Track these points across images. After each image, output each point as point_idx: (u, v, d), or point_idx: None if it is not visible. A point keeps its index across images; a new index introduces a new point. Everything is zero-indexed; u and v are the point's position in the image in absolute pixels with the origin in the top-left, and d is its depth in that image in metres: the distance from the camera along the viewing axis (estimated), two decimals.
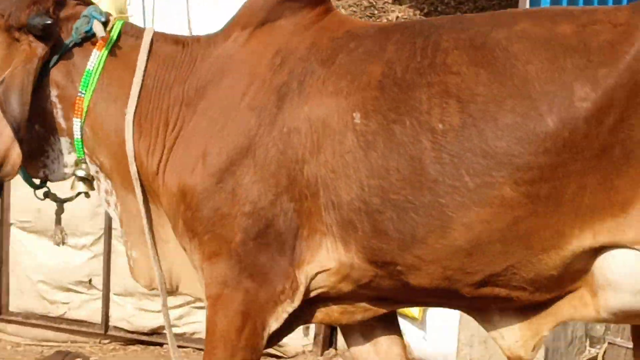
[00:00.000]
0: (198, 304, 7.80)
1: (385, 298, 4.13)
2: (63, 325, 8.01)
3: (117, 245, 7.73)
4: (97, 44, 4.33)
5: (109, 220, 7.73)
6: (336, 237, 4.00)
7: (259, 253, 4.07)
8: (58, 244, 4.67)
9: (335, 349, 7.86)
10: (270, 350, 7.61)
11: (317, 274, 4.02)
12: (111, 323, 7.95)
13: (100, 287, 7.87)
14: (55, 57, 4.36)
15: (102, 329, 7.92)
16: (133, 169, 4.25)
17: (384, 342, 4.39)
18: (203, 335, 6.87)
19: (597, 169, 3.79)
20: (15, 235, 8.09)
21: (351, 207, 3.97)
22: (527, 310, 4.03)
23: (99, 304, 7.89)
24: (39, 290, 8.02)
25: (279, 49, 4.20)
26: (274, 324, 4.06)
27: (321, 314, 4.18)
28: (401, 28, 4.20)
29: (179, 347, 7.19)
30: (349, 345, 4.37)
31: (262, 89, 4.13)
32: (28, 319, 8.10)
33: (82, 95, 4.32)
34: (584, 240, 3.82)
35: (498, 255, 3.89)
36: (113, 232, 7.82)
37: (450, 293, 3.99)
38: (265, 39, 4.25)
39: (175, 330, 7.87)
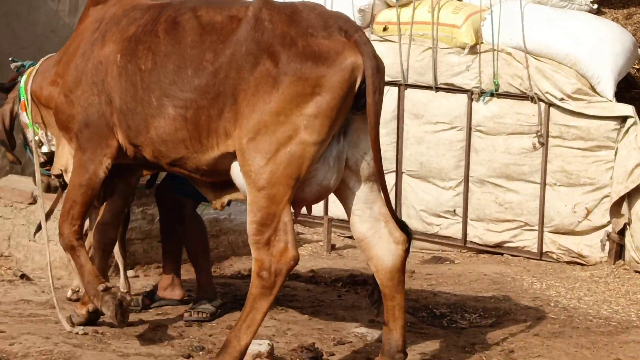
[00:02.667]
0: (527, 227, 8.54)
1: (147, 164, 5.06)
2: (436, 240, 8.95)
3: (473, 187, 8.64)
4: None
5: (467, 169, 8.66)
6: (119, 127, 4.90)
7: (90, 137, 4.94)
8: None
9: (624, 260, 8.22)
10: (577, 260, 8.34)
11: (116, 148, 4.97)
12: (468, 238, 8.79)
13: (461, 214, 8.78)
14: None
15: (462, 242, 8.82)
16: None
17: None
18: (532, 249, 8.59)
19: (216, 105, 4.50)
20: (405, 180, 9.05)
21: (117, 109, 4.87)
22: (215, 185, 4.88)
23: (459, 226, 8.82)
24: (420, 215, 9.00)
25: (97, 18, 5.10)
26: (101, 174, 4.97)
27: (130, 173, 5.29)
28: (157, 5, 4.91)
29: (514, 256, 8.59)
30: None
31: (86, 42, 5.06)
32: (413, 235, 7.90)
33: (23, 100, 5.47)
34: (214, 149, 4.58)
35: (172, 149, 4.70)
36: (470, 178, 8.66)
37: (163, 166, 4.92)
38: (94, 14, 5.18)
39: (511, 244, 8.68)
